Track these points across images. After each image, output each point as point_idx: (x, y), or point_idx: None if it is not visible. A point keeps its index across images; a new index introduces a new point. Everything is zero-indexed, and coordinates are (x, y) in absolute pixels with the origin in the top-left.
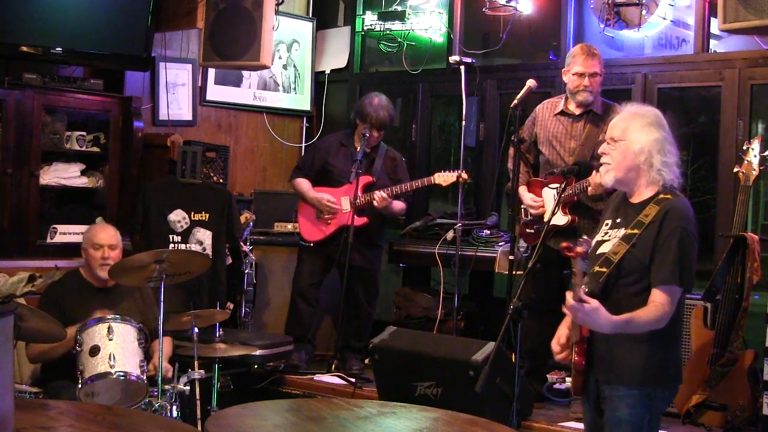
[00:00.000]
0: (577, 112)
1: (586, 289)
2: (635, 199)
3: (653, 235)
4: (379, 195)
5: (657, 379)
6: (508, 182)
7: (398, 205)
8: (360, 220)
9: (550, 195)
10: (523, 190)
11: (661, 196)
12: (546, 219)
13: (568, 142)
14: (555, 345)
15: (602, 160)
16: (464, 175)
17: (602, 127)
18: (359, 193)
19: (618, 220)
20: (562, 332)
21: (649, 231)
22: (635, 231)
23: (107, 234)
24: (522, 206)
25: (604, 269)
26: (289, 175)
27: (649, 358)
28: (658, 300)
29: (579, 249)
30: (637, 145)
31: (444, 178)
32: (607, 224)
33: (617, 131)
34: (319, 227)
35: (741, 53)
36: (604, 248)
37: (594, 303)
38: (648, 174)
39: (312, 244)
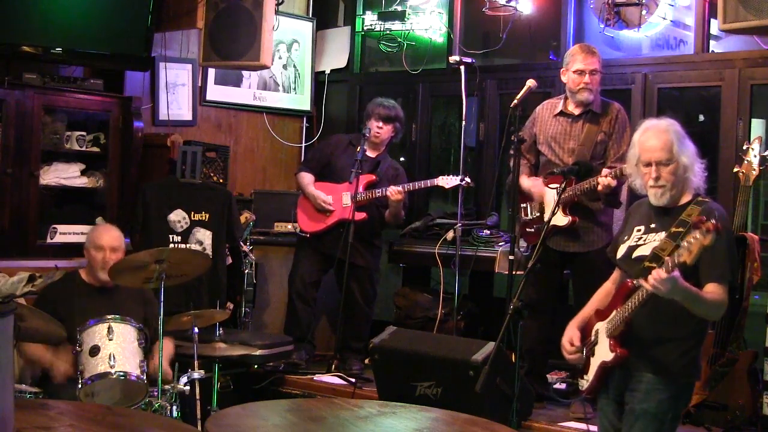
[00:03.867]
0: (576, 112)
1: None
2: (671, 205)
3: None
4: (393, 189)
5: (690, 373)
6: (508, 179)
7: (402, 211)
8: (359, 215)
9: (550, 195)
10: (524, 178)
11: (699, 198)
12: (546, 219)
13: (567, 143)
14: (568, 345)
15: (656, 183)
16: (468, 180)
17: (601, 125)
18: (361, 190)
19: (653, 226)
20: (574, 333)
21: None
22: (680, 229)
23: (110, 236)
24: (522, 205)
25: (654, 264)
26: (290, 176)
27: (687, 353)
28: (716, 291)
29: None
30: (685, 159)
31: (447, 181)
32: (639, 230)
33: (662, 154)
34: (319, 219)
35: (741, 53)
36: (641, 251)
37: (677, 272)
38: (692, 182)
39: (309, 235)
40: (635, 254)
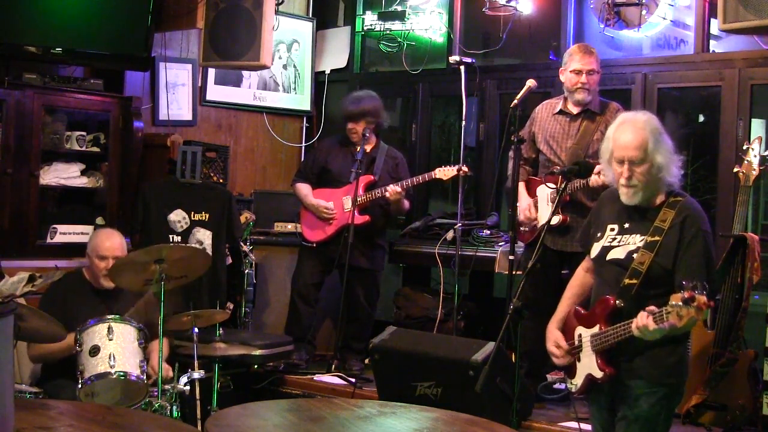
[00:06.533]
0: (575, 111)
1: (622, 304)
2: (645, 204)
3: (675, 241)
4: (392, 189)
5: (677, 373)
6: (507, 182)
7: (406, 202)
8: (362, 218)
9: (544, 193)
10: (522, 188)
11: (672, 199)
12: (546, 219)
13: (565, 142)
14: (555, 350)
15: (628, 182)
16: (464, 169)
17: (598, 124)
18: (361, 192)
19: (626, 226)
20: (558, 336)
21: (670, 236)
22: (656, 238)
23: (112, 244)
24: (518, 204)
25: (634, 281)
26: (289, 176)
27: (671, 354)
28: None
29: (706, 300)
30: (660, 159)
31: (445, 172)
32: (613, 229)
33: (637, 152)
34: (321, 228)
35: (741, 53)
36: (615, 254)
37: (667, 324)
38: (666, 182)
39: (314, 245)
40: (609, 256)
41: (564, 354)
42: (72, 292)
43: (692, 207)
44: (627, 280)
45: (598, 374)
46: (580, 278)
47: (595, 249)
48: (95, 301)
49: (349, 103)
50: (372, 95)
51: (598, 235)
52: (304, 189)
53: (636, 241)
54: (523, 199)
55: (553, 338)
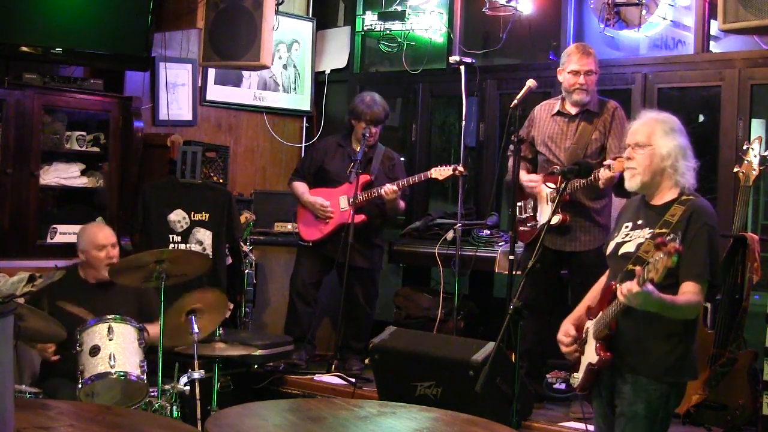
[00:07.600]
0: (573, 111)
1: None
2: (657, 201)
3: (681, 233)
4: (388, 188)
5: (677, 372)
6: (506, 177)
7: (401, 202)
8: (358, 218)
9: (544, 192)
10: (522, 173)
11: (684, 197)
12: (546, 219)
13: (564, 142)
14: (564, 338)
15: (628, 164)
16: (460, 168)
17: (596, 123)
18: (358, 192)
19: (639, 222)
20: (568, 326)
21: (677, 229)
22: (663, 230)
23: (105, 234)
24: (518, 204)
25: (638, 268)
26: (289, 174)
27: (672, 352)
28: (692, 290)
29: (677, 245)
30: (665, 149)
31: (440, 172)
32: (627, 227)
33: (641, 137)
34: (318, 227)
35: (741, 53)
36: (626, 248)
37: (649, 286)
38: (672, 178)
39: (311, 244)
40: (621, 251)
41: (572, 343)
42: (68, 289)
43: (701, 204)
44: (630, 266)
45: (594, 359)
46: (602, 283)
47: (610, 246)
48: (91, 296)
49: (373, 106)
50: (383, 100)
51: (615, 234)
52: (300, 187)
53: (645, 234)
54: (524, 175)
55: (564, 329)
